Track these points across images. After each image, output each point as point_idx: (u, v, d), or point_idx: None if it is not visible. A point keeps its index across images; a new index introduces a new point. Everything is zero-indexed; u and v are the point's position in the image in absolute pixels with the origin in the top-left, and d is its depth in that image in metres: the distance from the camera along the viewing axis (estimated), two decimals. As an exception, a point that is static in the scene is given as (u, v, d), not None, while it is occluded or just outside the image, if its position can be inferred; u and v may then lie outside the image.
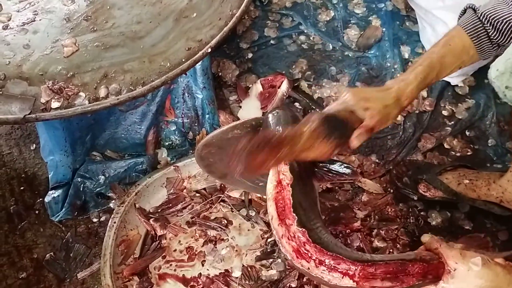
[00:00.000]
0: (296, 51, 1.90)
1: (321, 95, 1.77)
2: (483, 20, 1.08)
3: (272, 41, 1.92)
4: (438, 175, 1.42)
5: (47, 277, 1.36)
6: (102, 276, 1.24)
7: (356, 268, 0.79)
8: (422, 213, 1.48)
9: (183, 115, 1.61)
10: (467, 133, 1.67)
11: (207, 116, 1.58)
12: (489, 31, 1.07)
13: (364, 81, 1.81)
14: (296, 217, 0.87)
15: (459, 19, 1.16)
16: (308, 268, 0.83)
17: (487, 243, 1.35)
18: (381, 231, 1.42)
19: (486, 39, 1.09)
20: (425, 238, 0.90)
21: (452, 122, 1.70)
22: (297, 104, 1.74)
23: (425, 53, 1.13)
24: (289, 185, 0.92)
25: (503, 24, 1.05)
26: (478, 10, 1.10)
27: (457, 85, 1.76)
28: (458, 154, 1.62)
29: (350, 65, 1.86)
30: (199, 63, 1.28)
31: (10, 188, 1.53)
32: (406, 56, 1.86)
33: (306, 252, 0.83)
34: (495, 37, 1.08)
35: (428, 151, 1.63)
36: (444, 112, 1.72)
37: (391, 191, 1.52)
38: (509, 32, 1.05)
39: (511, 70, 0.88)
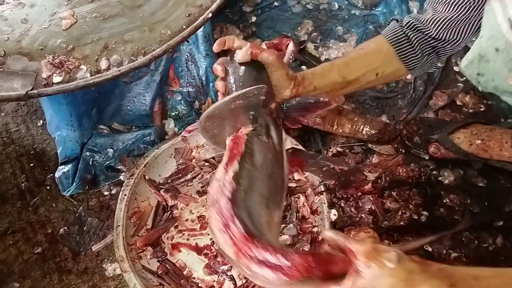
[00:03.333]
0: (301, 12, 1.85)
1: (329, 56, 1.73)
2: (405, 26, 1.03)
3: (276, 3, 1.87)
4: (450, 134, 1.39)
5: (62, 251, 1.38)
6: (116, 248, 1.25)
7: (242, 238, 0.69)
8: (434, 172, 1.46)
9: (188, 84, 1.59)
10: (480, 88, 1.63)
11: (211, 84, 1.55)
12: (409, 34, 1.01)
13: (372, 40, 1.76)
14: (238, 168, 0.80)
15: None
16: (212, 219, 0.74)
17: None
18: (393, 193, 1.41)
19: (406, 43, 1.02)
20: (327, 234, 0.72)
21: (464, 78, 1.64)
22: (304, 67, 1.70)
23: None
24: (247, 134, 0.87)
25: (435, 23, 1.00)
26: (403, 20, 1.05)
27: (468, 40, 1.71)
28: (471, 111, 1.59)
29: (357, 24, 1.81)
30: (201, 29, 1.24)
31: (20, 165, 1.53)
32: (415, 11, 1.80)
33: (220, 206, 0.73)
34: (424, 41, 1.02)
35: (440, 109, 1.59)
36: (456, 68, 1.68)
37: (402, 151, 1.50)
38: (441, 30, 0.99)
39: (479, 58, 0.86)
